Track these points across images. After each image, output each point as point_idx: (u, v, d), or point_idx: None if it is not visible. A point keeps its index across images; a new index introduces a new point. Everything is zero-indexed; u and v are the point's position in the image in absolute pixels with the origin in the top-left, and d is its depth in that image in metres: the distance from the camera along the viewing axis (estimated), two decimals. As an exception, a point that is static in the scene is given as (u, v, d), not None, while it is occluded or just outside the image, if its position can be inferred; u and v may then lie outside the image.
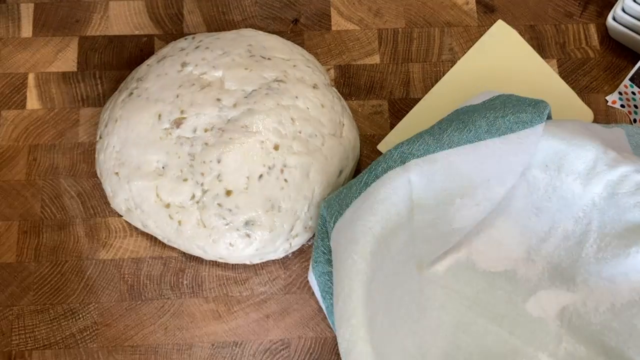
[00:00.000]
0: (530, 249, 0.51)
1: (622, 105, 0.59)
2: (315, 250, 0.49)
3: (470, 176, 0.48)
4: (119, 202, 0.51)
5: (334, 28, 0.60)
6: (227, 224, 0.49)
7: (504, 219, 0.51)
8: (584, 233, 0.50)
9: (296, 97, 0.52)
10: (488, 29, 0.60)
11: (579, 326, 0.49)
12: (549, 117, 0.52)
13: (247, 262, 0.52)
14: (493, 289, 0.51)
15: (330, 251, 0.48)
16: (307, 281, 0.53)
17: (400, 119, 0.57)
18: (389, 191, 0.46)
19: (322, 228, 0.49)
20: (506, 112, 0.48)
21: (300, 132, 0.51)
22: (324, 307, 0.49)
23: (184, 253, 0.53)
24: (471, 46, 0.60)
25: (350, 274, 0.44)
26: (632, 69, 0.57)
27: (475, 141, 0.48)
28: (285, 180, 0.50)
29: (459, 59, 0.59)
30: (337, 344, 0.49)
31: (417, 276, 0.50)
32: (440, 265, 0.51)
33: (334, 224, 0.47)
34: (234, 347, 0.51)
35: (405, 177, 0.47)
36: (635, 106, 0.57)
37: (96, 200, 0.54)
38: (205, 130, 0.50)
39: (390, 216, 0.46)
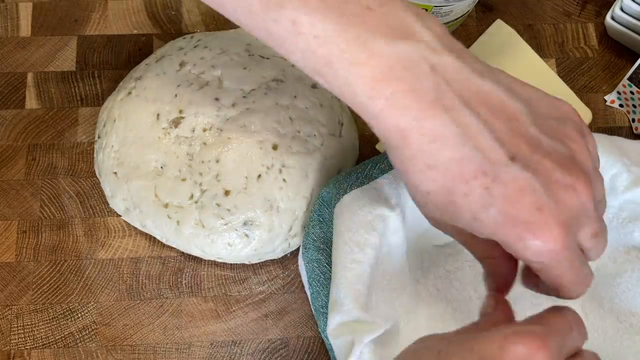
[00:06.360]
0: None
1: (621, 105, 0.59)
2: (306, 237, 0.48)
3: None
4: (117, 201, 0.51)
5: (332, 27, 0.60)
6: (225, 224, 0.49)
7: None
8: None
9: (295, 97, 0.52)
10: (487, 28, 0.60)
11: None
12: None
13: (246, 262, 0.52)
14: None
15: (320, 239, 0.47)
16: (306, 281, 0.53)
17: (399, 119, 0.57)
18: (392, 190, 0.46)
19: (313, 215, 0.48)
20: None
21: (299, 132, 0.51)
22: (308, 293, 0.49)
23: (183, 253, 0.53)
24: (470, 46, 0.60)
25: (345, 262, 0.44)
26: (630, 68, 0.57)
27: None
28: (284, 180, 0.50)
29: (458, 58, 0.59)
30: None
31: (414, 282, 0.49)
32: (433, 279, 0.49)
33: (334, 207, 0.46)
34: (232, 347, 0.52)
35: None
36: (634, 105, 0.57)
37: (95, 200, 0.54)
38: (204, 130, 0.50)
39: (392, 214, 0.45)
